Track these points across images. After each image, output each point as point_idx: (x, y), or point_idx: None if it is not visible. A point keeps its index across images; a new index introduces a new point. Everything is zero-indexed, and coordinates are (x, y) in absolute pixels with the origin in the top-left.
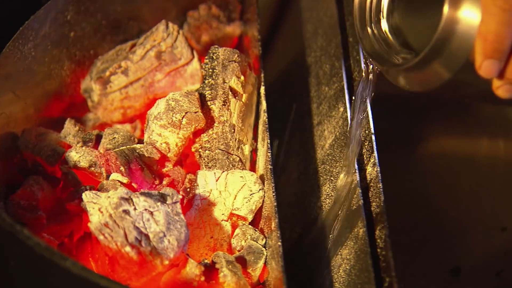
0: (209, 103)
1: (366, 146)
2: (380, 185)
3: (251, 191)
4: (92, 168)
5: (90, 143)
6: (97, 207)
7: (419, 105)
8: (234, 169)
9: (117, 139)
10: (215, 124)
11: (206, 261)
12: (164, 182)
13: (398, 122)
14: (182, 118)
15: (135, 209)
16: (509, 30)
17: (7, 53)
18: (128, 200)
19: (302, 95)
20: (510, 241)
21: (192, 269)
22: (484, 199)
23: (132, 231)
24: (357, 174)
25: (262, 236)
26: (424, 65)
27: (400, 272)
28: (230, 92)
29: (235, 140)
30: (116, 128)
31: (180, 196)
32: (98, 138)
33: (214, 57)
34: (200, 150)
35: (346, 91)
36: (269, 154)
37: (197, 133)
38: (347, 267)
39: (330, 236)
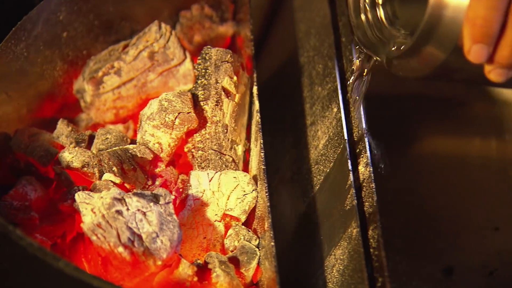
0: (202, 103)
1: (359, 146)
2: (373, 185)
3: (244, 191)
4: (85, 169)
5: (83, 144)
6: (90, 207)
7: (411, 105)
8: (227, 169)
9: (110, 139)
10: (208, 124)
11: (199, 261)
12: (157, 183)
13: (390, 122)
14: (175, 118)
15: (128, 209)
16: (497, 15)
17: None
18: (121, 200)
19: (295, 95)
20: (502, 241)
21: (185, 270)
22: (476, 198)
23: (125, 231)
24: (351, 174)
25: (255, 236)
26: (416, 52)
27: (393, 272)
28: (223, 92)
29: (228, 140)
30: (109, 128)
31: (173, 197)
32: (91, 138)
33: (207, 58)
34: (193, 150)
35: (339, 91)
36: (262, 154)
37: (189, 133)
38: (341, 267)
39: (324, 236)
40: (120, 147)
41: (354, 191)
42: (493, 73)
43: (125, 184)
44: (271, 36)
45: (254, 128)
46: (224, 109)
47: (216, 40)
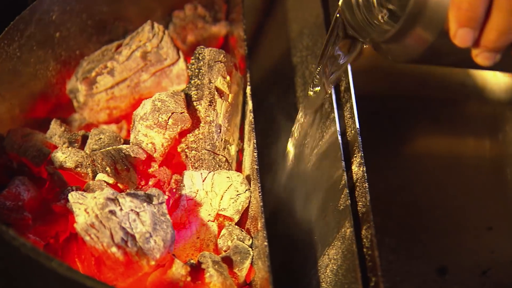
0: (195, 103)
1: (352, 146)
2: (366, 184)
3: (237, 191)
4: (78, 169)
5: (76, 144)
6: (83, 207)
7: (405, 104)
8: (221, 169)
9: (103, 139)
10: (201, 124)
11: (192, 261)
12: (150, 183)
13: (384, 121)
14: (168, 118)
15: (121, 209)
16: None
17: None
18: (114, 200)
19: (288, 95)
20: (496, 240)
21: (178, 269)
22: (470, 198)
23: (118, 231)
24: (345, 174)
25: (249, 236)
26: (403, 36)
27: (386, 272)
28: (216, 92)
29: (221, 140)
30: (102, 128)
31: (166, 197)
32: (84, 138)
33: (200, 57)
34: (186, 150)
35: (332, 91)
36: (255, 154)
37: (183, 133)
38: (334, 267)
39: (317, 236)
40: (114, 147)
41: (347, 191)
42: (480, 57)
43: (119, 184)
44: (264, 36)
45: (247, 128)
46: (218, 109)
47: (209, 40)
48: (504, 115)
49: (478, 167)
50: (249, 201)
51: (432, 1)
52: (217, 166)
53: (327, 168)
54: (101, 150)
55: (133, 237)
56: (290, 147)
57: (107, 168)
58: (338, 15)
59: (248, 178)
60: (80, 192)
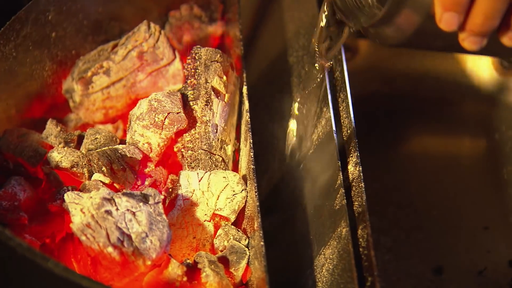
0: (191, 103)
1: (348, 146)
2: (362, 184)
3: (233, 191)
4: (74, 169)
5: (72, 144)
6: (79, 207)
7: (401, 104)
8: (217, 169)
9: (99, 139)
10: (198, 124)
11: (188, 261)
12: (146, 183)
13: (380, 121)
14: (165, 118)
15: (117, 209)
16: None
17: None
18: (110, 200)
19: (284, 94)
20: (492, 240)
21: (175, 269)
22: (466, 198)
23: (114, 231)
24: (341, 174)
25: (245, 236)
26: (389, 20)
27: (382, 272)
28: (212, 92)
29: (218, 140)
30: (98, 128)
31: (162, 197)
32: (80, 138)
33: (197, 57)
34: (182, 150)
35: (328, 90)
36: (251, 154)
37: (179, 133)
38: (330, 266)
39: (313, 235)
40: (110, 147)
41: (343, 190)
42: (467, 41)
43: (115, 184)
44: (260, 36)
45: (243, 127)
46: (214, 109)
47: (205, 40)
48: (500, 115)
49: (474, 167)
50: (246, 201)
51: None
52: (213, 166)
53: (323, 168)
54: (97, 150)
55: (129, 237)
56: (289, 140)
57: (103, 168)
58: None
59: (244, 178)
60: (76, 192)
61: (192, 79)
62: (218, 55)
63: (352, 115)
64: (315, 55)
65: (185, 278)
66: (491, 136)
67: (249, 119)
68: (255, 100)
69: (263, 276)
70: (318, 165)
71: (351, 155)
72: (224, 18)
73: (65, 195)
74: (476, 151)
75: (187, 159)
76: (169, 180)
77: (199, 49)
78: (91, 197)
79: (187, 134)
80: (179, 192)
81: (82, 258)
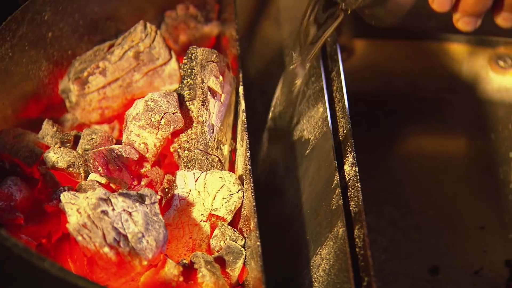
0: (187, 103)
1: (344, 146)
2: (359, 184)
3: (230, 191)
4: (70, 169)
5: (68, 144)
6: (75, 207)
7: (397, 104)
8: (213, 169)
9: (96, 139)
10: (194, 124)
11: (184, 261)
12: (143, 183)
13: (377, 121)
14: (161, 118)
15: (113, 209)
16: None
17: None
18: (107, 200)
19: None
20: (488, 240)
21: (171, 270)
22: (462, 198)
23: (111, 231)
24: (337, 174)
25: (241, 236)
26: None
27: (379, 272)
28: (209, 92)
29: (214, 140)
30: (94, 128)
31: (159, 197)
32: (76, 138)
33: (193, 57)
34: (179, 150)
35: (325, 90)
36: (248, 154)
37: (175, 133)
38: (327, 266)
39: (310, 235)
40: (106, 147)
41: (340, 190)
42: (461, 22)
43: (111, 184)
44: (256, 36)
45: (240, 127)
46: (210, 109)
47: (201, 40)
48: (497, 115)
49: (470, 167)
50: (242, 201)
51: None
52: (209, 166)
53: (320, 168)
54: (93, 150)
55: (125, 237)
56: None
57: (99, 168)
58: None
59: (240, 178)
60: (72, 192)
61: (188, 79)
62: (214, 55)
63: (348, 115)
64: (299, 46)
65: (181, 278)
66: (488, 136)
67: (245, 119)
68: (251, 100)
69: (260, 276)
70: (315, 165)
71: (348, 155)
72: (220, 18)
73: (61, 195)
74: (472, 151)
75: (183, 159)
76: (165, 180)
77: (195, 49)
78: (87, 197)
79: (183, 134)
80: (176, 192)
81: (78, 258)
